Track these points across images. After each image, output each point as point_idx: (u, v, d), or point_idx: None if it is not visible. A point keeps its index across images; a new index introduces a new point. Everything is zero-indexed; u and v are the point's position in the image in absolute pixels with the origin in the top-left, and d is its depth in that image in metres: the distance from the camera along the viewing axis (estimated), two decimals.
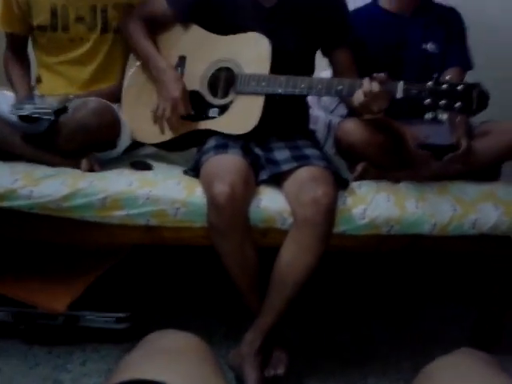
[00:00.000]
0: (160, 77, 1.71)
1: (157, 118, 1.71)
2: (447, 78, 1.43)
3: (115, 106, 1.78)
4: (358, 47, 1.79)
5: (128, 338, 1.70)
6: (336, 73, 1.80)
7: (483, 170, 1.75)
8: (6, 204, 1.55)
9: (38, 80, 1.96)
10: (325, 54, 1.81)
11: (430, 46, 1.85)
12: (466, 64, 1.87)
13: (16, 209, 1.56)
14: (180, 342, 0.70)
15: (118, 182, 1.59)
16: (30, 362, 1.67)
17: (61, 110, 1.66)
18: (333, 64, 1.80)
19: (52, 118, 1.62)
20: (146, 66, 1.78)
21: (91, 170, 1.66)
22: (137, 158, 1.84)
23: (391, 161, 1.72)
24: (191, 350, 0.69)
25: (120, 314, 1.74)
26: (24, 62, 1.96)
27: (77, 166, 1.67)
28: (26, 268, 1.87)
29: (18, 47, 1.93)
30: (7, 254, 1.93)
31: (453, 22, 1.88)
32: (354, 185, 1.64)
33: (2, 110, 1.69)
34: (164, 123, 1.70)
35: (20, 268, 1.87)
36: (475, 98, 1.35)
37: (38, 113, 1.62)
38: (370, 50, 1.83)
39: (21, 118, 1.62)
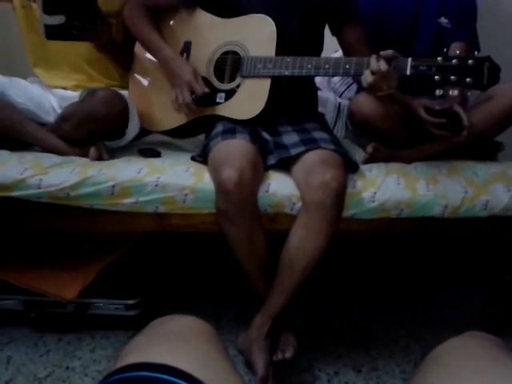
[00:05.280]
0: (168, 66, 1.69)
1: (179, 107, 1.67)
2: (457, 52, 1.40)
3: (124, 93, 1.76)
4: (372, 18, 1.78)
5: (137, 325, 1.69)
6: (345, 52, 1.77)
7: (482, 148, 1.75)
8: (15, 194, 1.54)
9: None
10: (334, 33, 1.77)
11: (443, 20, 1.84)
12: (472, 43, 1.84)
13: (25, 199, 1.55)
14: (184, 326, 0.70)
15: (126, 170, 1.58)
16: (41, 349, 1.69)
17: None
18: (341, 43, 1.77)
19: None
20: (152, 56, 1.77)
21: (99, 158, 1.65)
22: (145, 145, 1.84)
23: (405, 135, 1.70)
24: (196, 332, 0.68)
25: (130, 301, 1.75)
26: None
27: (85, 154, 1.66)
28: (35, 257, 1.88)
29: None
30: (17, 243, 1.94)
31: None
32: (364, 168, 1.62)
33: (11, 97, 1.69)
34: (184, 109, 1.67)
35: (30, 257, 1.88)
36: (486, 73, 1.31)
37: None
38: (386, 22, 1.82)
39: None
